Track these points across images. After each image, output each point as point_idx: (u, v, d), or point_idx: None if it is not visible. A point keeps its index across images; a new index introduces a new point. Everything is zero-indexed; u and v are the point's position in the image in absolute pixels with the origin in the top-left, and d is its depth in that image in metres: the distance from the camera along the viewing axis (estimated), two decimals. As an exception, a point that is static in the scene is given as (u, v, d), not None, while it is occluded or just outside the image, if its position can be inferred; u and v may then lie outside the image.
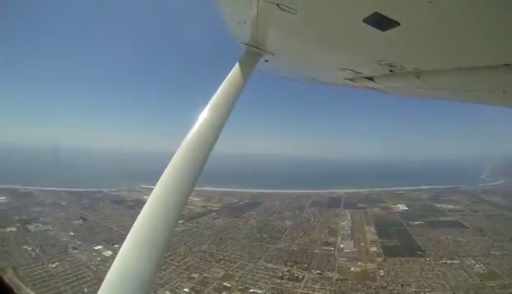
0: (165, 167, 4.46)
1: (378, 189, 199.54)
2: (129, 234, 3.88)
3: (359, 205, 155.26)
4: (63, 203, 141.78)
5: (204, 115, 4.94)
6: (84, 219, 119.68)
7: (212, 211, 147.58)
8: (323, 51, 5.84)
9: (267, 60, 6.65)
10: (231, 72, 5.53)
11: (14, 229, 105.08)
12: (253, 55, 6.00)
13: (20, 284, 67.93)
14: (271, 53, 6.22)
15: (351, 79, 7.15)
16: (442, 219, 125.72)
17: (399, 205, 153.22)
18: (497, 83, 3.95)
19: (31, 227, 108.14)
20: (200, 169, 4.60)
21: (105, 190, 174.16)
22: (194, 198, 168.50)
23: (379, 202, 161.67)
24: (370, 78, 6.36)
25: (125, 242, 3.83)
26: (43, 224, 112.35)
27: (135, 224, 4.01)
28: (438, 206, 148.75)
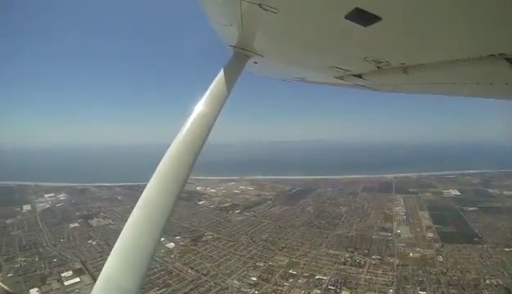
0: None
1: (426, 174, 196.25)
2: (118, 240, 4.09)
3: (411, 190, 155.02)
4: (119, 198, 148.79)
5: (193, 117, 5.13)
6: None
7: (266, 199, 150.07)
8: (309, 49, 5.87)
9: (256, 62, 6.85)
10: (219, 75, 5.69)
11: (77, 224, 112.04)
12: (240, 57, 6.17)
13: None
14: (259, 54, 6.37)
15: (340, 77, 7.25)
16: (496, 205, 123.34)
17: (451, 190, 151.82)
18: (484, 75, 4.12)
19: (93, 222, 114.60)
20: (187, 174, 4.75)
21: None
22: (248, 187, 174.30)
23: (430, 187, 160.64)
24: (359, 76, 6.46)
25: (113, 250, 4.01)
26: (104, 218, 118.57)
27: (125, 227, 4.20)
28: (491, 191, 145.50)
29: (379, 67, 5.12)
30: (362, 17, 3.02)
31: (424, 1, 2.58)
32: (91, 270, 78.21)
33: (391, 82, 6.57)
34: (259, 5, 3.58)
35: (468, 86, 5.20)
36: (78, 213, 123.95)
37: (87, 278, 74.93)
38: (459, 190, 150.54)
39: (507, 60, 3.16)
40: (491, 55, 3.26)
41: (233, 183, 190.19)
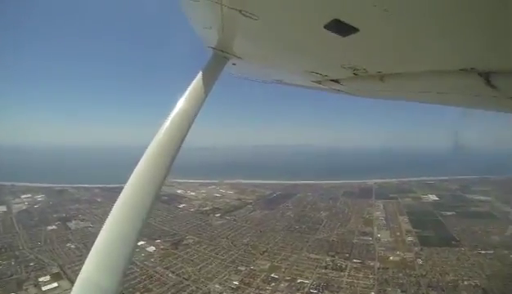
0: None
1: (406, 179, 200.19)
2: (96, 240, 4.14)
3: (390, 195, 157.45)
4: (98, 199, 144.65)
5: (172, 117, 5.15)
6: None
7: (247, 203, 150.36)
8: (287, 55, 5.99)
9: (234, 63, 6.89)
10: (198, 76, 5.72)
11: (54, 227, 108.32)
12: (219, 58, 6.20)
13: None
14: (238, 57, 6.44)
15: (318, 82, 7.37)
16: (473, 209, 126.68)
17: (429, 195, 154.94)
18: (456, 86, 4.25)
19: (71, 224, 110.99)
20: (165, 175, 4.76)
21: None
22: (228, 191, 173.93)
23: (409, 193, 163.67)
24: (336, 81, 6.56)
25: (92, 249, 4.07)
26: (82, 221, 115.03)
27: (103, 227, 4.25)
28: (469, 196, 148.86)
29: (356, 74, 5.30)
30: (341, 28, 3.16)
31: (402, 16, 2.71)
32: (69, 275, 75.63)
33: (368, 88, 6.71)
34: (240, 11, 3.67)
35: (441, 96, 5.34)
36: (55, 215, 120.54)
37: (65, 284, 72.22)
38: (437, 195, 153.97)
39: (478, 74, 3.33)
40: (464, 69, 3.45)
41: (213, 186, 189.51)
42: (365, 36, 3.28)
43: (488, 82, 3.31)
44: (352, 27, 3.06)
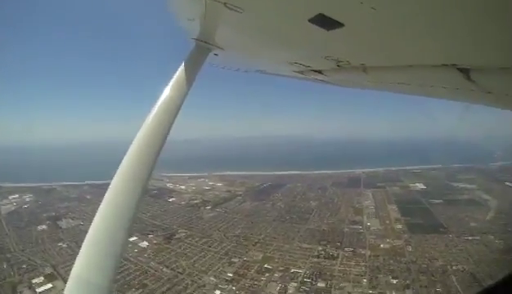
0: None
1: (394, 169, 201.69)
2: (86, 237, 4.21)
3: (379, 184, 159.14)
4: (88, 197, 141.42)
5: (155, 110, 5.20)
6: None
7: (237, 195, 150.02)
8: (271, 47, 6.05)
9: (216, 54, 6.97)
10: (181, 66, 5.76)
11: (45, 227, 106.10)
12: (202, 49, 6.25)
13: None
14: (221, 48, 6.48)
15: (300, 72, 7.45)
16: (459, 197, 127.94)
17: (417, 184, 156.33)
18: (437, 80, 4.35)
19: (62, 223, 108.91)
20: (151, 169, 4.79)
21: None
22: (217, 183, 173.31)
23: (397, 181, 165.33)
24: (319, 72, 6.64)
25: (83, 246, 4.10)
26: (73, 219, 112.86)
27: (92, 224, 4.28)
28: (455, 185, 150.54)
29: (339, 65, 5.35)
30: (325, 22, 3.16)
31: (387, 12, 2.74)
32: (63, 275, 74.44)
33: (350, 79, 6.98)
34: (224, 4, 3.64)
35: (423, 88, 5.45)
36: (45, 214, 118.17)
37: (60, 284, 70.86)
38: (424, 184, 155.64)
39: (459, 69, 3.41)
40: (445, 64, 3.52)
41: (202, 179, 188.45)
42: (349, 30, 3.33)
43: (468, 78, 3.41)
44: (337, 22, 3.09)
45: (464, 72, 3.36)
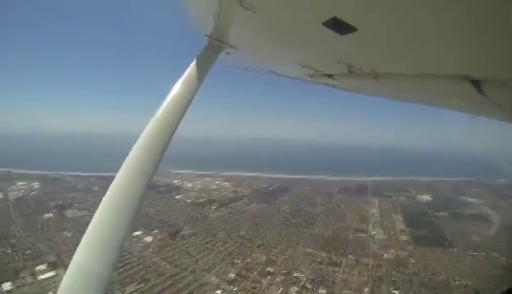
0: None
1: (401, 179, 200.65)
2: (88, 229, 4.23)
3: (385, 193, 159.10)
4: (95, 188, 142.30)
5: (165, 105, 5.21)
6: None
7: (243, 196, 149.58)
8: (283, 48, 6.04)
9: (228, 53, 6.90)
10: (193, 62, 5.78)
11: (51, 215, 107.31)
12: (214, 47, 6.23)
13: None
14: (233, 46, 6.45)
15: (311, 75, 7.39)
16: (465, 211, 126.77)
17: (424, 195, 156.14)
18: (448, 91, 4.30)
19: (68, 213, 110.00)
20: (155, 167, 4.82)
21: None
22: (224, 183, 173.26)
23: (404, 191, 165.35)
24: (330, 76, 6.56)
25: (83, 238, 4.15)
26: (79, 210, 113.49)
27: (95, 214, 4.30)
28: (462, 198, 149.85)
29: (350, 71, 5.29)
30: (339, 26, 3.14)
31: (400, 18, 2.74)
32: (66, 264, 74.20)
33: (360, 85, 6.76)
34: (239, 3, 3.63)
35: (434, 98, 5.47)
36: (52, 203, 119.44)
37: (62, 272, 69.86)
38: (431, 196, 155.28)
39: (471, 81, 3.32)
40: (457, 75, 3.45)
41: (209, 178, 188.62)
42: (363, 35, 3.32)
43: (480, 90, 3.34)
44: (351, 26, 3.08)
45: (476, 84, 3.33)
